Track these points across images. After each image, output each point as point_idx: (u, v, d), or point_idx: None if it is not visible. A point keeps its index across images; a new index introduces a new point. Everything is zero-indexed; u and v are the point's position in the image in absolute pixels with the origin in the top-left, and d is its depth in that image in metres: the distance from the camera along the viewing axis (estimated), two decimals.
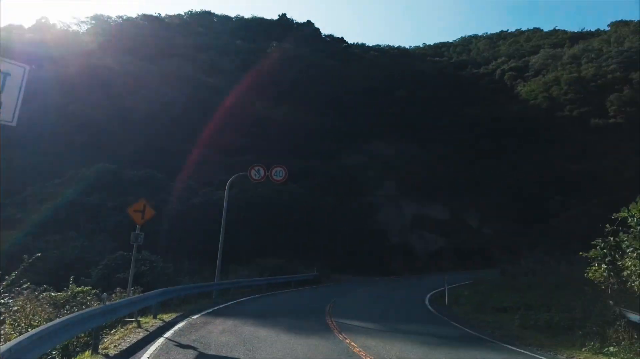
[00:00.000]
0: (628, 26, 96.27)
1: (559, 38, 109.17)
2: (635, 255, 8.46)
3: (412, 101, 61.65)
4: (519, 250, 40.93)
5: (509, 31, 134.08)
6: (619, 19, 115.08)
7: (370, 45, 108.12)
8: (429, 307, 17.33)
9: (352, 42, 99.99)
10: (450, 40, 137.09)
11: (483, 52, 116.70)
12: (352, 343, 9.16)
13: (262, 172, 19.27)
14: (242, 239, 27.33)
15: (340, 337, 9.91)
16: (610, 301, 11.45)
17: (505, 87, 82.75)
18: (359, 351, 8.46)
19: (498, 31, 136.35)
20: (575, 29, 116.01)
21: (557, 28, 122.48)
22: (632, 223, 9.14)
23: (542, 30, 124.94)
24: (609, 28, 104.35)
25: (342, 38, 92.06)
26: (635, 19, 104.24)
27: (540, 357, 9.26)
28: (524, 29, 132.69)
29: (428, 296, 20.36)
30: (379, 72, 70.07)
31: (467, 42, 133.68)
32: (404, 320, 13.79)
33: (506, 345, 10.32)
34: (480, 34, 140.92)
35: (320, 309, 14.69)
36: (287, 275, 25.48)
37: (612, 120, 60.62)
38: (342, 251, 35.18)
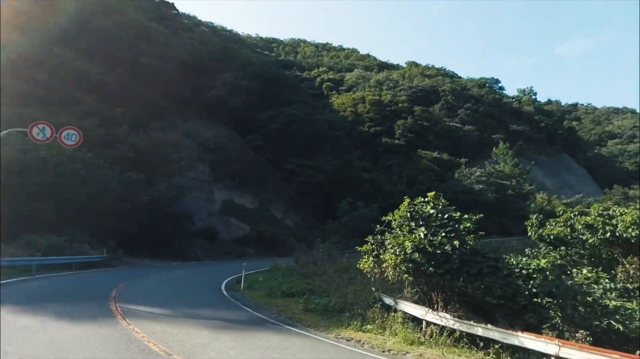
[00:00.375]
0: (418, 68, 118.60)
1: (370, 62, 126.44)
2: (392, 250, 10.64)
3: (237, 88, 61.60)
4: (314, 242, 45.89)
5: (333, 45, 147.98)
6: (414, 59, 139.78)
7: (202, 20, 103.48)
8: (224, 292, 17.80)
9: (183, 12, 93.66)
10: (282, 38, 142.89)
11: (308, 57, 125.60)
12: (137, 329, 8.81)
13: (48, 131, 15.97)
14: (12, 209, 22.62)
15: (124, 323, 9.39)
16: (373, 288, 14.07)
17: (322, 95, 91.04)
18: (143, 336, 8.21)
19: (324, 42, 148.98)
20: (383, 58, 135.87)
21: (369, 54, 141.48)
22: (394, 226, 11.49)
23: (359, 52, 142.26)
24: (405, 65, 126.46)
25: (173, 4, 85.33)
26: (425, 62, 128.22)
27: (313, 336, 10.72)
28: (345, 46, 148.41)
29: (225, 281, 20.85)
30: (207, 50, 67.69)
31: (296, 44, 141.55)
32: (196, 305, 13.86)
33: (288, 327, 11.54)
34: (309, 40, 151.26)
35: (105, 294, 13.57)
36: (68, 256, 22.39)
37: (397, 141, 73.34)
38: (140, 232, 32.66)
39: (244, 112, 60.73)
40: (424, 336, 10.54)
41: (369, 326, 11.44)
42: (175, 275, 24.24)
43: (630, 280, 12.69)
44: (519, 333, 9.05)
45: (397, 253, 10.43)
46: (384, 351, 9.45)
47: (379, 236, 11.76)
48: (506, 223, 56.75)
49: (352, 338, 10.44)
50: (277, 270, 24.01)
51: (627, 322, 9.40)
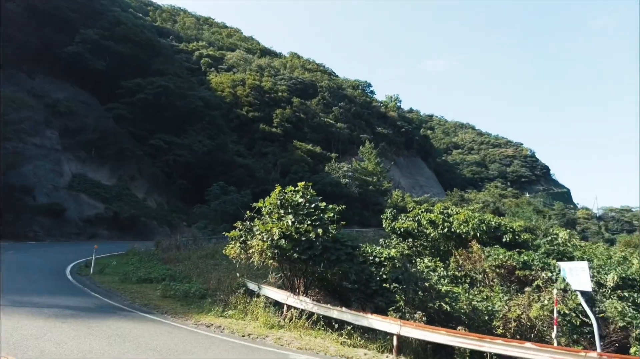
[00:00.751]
0: (299, 60, 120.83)
1: (253, 46, 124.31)
2: (260, 236, 10.70)
3: (101, 48, 54.36)
4: (179, 226, 43.51)
5: (215, 20, 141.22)
6: (296, 51, 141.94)
7: None
8: (69, 277, 15.82)
9: None
10: (160, 3, 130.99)
11: (188, 29, 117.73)
12: None
13: None
14: None
15: None
16: (238, 274, 13.98)
17: (199, 70, 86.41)
18: None
19: (206, 16, 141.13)
20: (266, 44, 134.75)
21: (253, 37, 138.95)
22: (264, 212, 11.56)
23: (242, 32, 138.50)
24: (288, 55, 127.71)
25: None
26: (307, 56, 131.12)
27: (170, 323, 10.20)
28: (228, 24, 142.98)
29: (71, 265, 18.53)
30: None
31: (175, 12, 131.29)
32: (31, 292, 12.04)
33: (143, 314, 10.77)
34: (190, 10, 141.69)
35: None
36: None
37: (274, 129, 73.82)
38: None
39: (107, 76, 54.06)
40: (284, 319, 10.89)
41: (230, 312, 11.35)
42: (6, 256, 20.55)
43: (459, 268, 14.97)
44: (369, 315, 9.97)
45: (265, 239, 10.54)
46: (243, 336, 9.48)
47: (248, 223, 11.71)
48: (366, 216, 61.85)
49: (212, 324, 10.24)
50: (134, 254, 22.26)
51: (454, 304, 11.09)
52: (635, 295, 13.22)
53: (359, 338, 9.92)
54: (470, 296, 12.24)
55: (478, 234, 16.20)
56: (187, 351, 7.74)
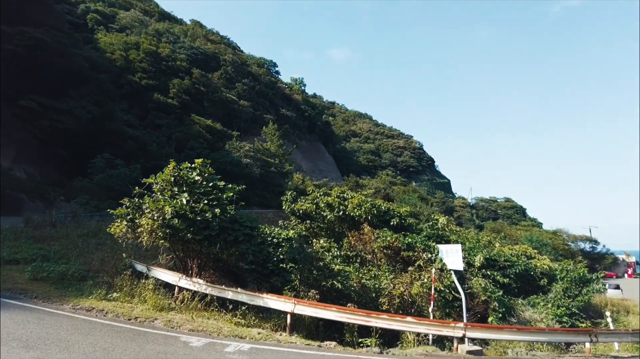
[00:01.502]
0: (202, 29, 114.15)
1: (151, 8, 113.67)
2: (150, 215, 9.99)
3: None
4: (56, 200, 38.64)
5: None
6: (199, 19, 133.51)
7: None
8: None
9: None
10: None
11: None
12: None
13: None
14: None
15: None
16: (124, 254, 12.95)
17: (85, 27, 76.69)
18: None
19: None
20: (166, 8, 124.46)
21: None
22: (156, 189, 10.80)
23: None
24: (190, 23, 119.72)
25: None
26: (210, 26, 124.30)
27: (41, 308, 9.10)
28: None
29: None
30: None
31: None
32: None
33: (6, 300, 9.42)
34: None
35: None
36: None
37: (170, 101, 69.09)
38: None
39: None
40: (176, 302, 10.42)
41: (115, 295, 10.50)
42: None
43: (352, 249, 15.81)
44: (264, 295, 10.02)
45: (156, 217, 9.87)
46: (130, 319, 8.85)
47: (137, 199, 10.85)
48: (267, 197, 61.76)
49: (94, 308, 9.37)
50: None
51: (345, 282, 11.69)
52: (496, 273, 15.31)
53: (253, 317, 9.93)
54: (360, 275, 13.03)
55: (369, 217, 17.25)
56: (60, 339, 6.96)
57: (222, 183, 11.13)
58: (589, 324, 14.40)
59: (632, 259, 72.19)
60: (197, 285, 10.70)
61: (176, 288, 11.00)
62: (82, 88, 53.14)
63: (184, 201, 10.10)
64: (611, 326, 14.19)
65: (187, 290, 10.71)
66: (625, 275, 67.01)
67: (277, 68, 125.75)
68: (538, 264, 18.43)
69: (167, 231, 9.93)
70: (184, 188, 10.63)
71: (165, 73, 72.53)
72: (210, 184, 10.83)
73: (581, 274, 17.07)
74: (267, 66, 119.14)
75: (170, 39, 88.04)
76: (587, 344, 10.84)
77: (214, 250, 10.63)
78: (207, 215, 9.99)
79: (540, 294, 16.13)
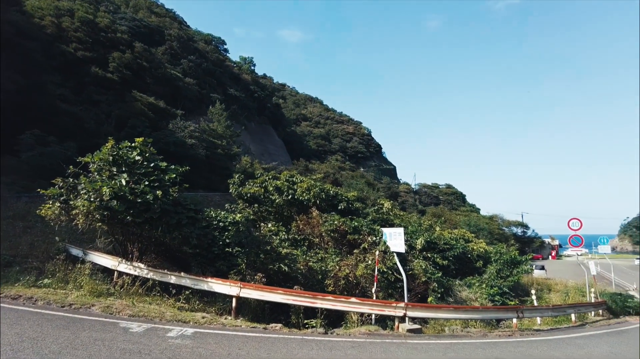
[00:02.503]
0: (145, 0, 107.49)
1: None
2: (86, 196, 9.38)
3: None
4: None
5: None
6: None
7: None
8: None
9: None
10: None
11: None
12: None
13: None
14: None
15: None
16: (57, 238, 12.13)
17: None
18: None
19: None
20: None
21: None
22: (93, 169, 10.14)
23: None
24: None
25: None
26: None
27: None
28: None
29: None
30: None
31: None
32: None
33: None
34: None
35: None
36: None
37: (110, 75, 64.80)
38: None
39: None
40: (115, 287, 9.96)
41: (46, 281, 9.83)
42: None
43: (300, 233, 15.89)
44: (209, 279, 9.83)
45: (92, 199, 9.29)
46: (63, 307, 8.34)
47: (72, 180, 10.13)
48: (213, 180, 60.16)
49: (21, 296, 8.71)
50: None
51: (292, 265, 11.75)
52: (436, 255, 16.08)
53: (197, 302, 9.74)
54: (308, 258, 13.16)
55: (318, 201, 17.40)
56: None
57: (165, 164, 10.67)
58: (517, 302, 15.65)
59: (556, 242, 79.12)
60: (138, 269, 10.28)
61: (115, 272, 10.51)
62: (7, 56, 48.37)
63: (124, 183, 9.58)
64: (535, 303, 15.50)
65: (127, 274, 10.27)
66: (550, 257, 73.38)
67: (225, 46, 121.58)
68: (475, 247, 19.62)
69: (105, 213, 9.40)
70: (124, 169, 10.07)
71: (104, 45, 67.71)
72: (152, 165, 10.35)
73: (513, 256, 18.44)
74: (215, 43, 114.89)
75: (110, 8, 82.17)
76: (514, 320, 11.78)
77: (155, 233, 10.23)
78: (148, 197, 9.55)
79: (476, 275, 17.23)
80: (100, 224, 10.02)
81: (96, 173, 10.00)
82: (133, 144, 10.48)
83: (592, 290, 17.42)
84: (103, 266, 10.80)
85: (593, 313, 15.78)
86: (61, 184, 10.07)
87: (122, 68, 66.36)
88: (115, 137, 11.45)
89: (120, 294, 9.59)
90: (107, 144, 10.25)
